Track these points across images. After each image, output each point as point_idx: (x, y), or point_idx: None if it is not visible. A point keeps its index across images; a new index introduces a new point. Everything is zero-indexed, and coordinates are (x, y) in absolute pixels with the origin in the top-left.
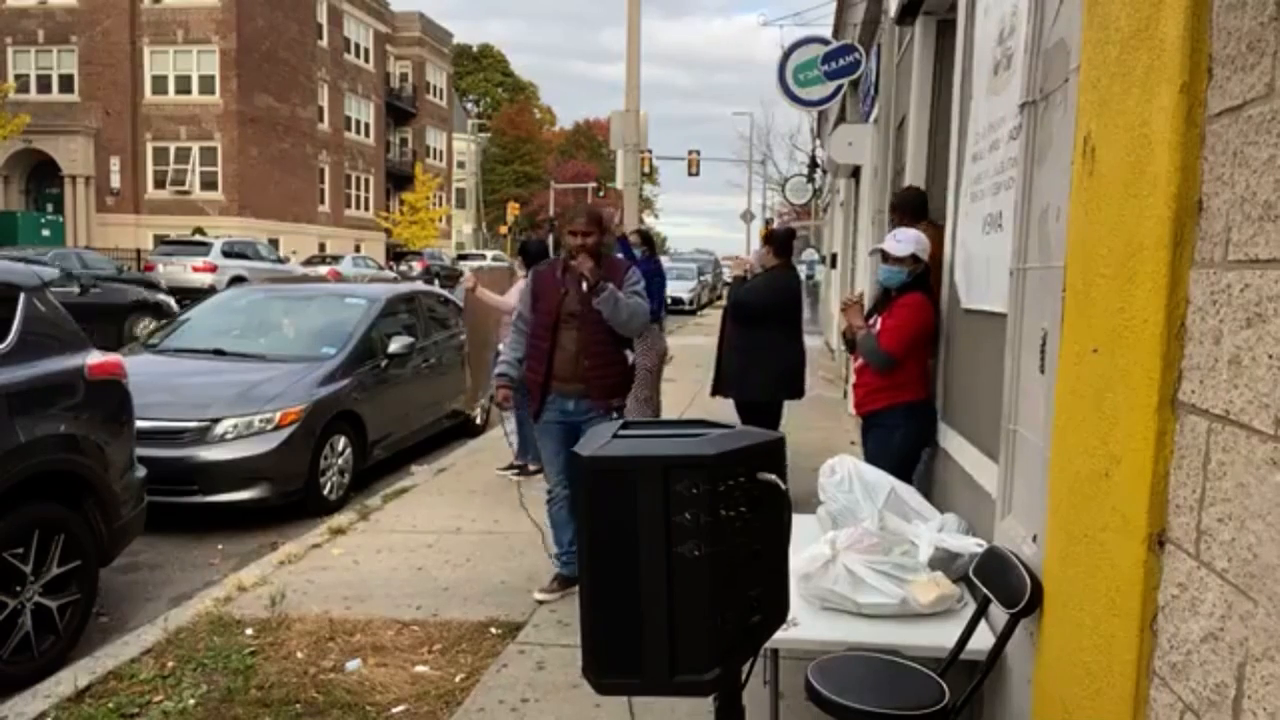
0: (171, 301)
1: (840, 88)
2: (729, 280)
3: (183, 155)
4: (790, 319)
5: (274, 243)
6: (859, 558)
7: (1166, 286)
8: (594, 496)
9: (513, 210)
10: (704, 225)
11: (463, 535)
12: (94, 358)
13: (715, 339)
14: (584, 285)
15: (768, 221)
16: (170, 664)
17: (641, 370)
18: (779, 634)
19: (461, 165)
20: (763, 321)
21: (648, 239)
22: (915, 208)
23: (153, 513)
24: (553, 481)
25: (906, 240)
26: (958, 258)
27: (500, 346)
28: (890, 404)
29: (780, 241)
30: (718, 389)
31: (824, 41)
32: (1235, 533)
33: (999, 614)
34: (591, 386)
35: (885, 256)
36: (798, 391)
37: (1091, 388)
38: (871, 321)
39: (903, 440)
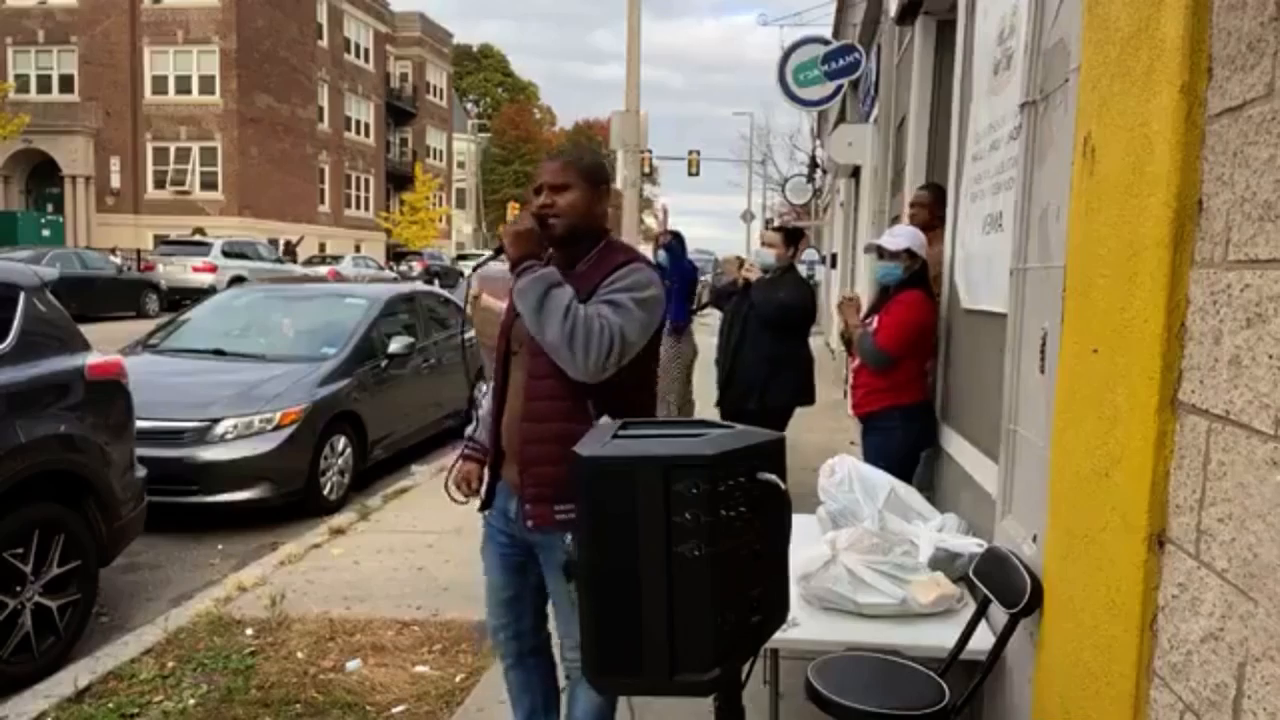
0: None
1: (840, 88)
2: (728, 283)
3: (183, 155)
4: (811, 322)
5: (274, 243)
6: (859, 558)
7: (1166, 286)
8: (594, 496)
9: (513, 210)
10: (704, 225)
11: (463, 535)
12: (94, 358)
13: (716, 339)
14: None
15: (768, 221)
16: (170, 664)
17: (675, 369)
18: (779, 634)
19: (461, 165)
20: (796, 326)
21: (678, 239)
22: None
23: (153, 513)
24: (491, 623)
25: (902, 235)
26: (958, 258)
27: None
28: (887, 406)
29: (796, 239)
30: (730, 401)
31: (824, 41)
32: (1235, 533)
33: (999, 614)
34: (526, 476)
35: (881, 252)
36: (812, 397)
37: (1091, 388)
38: (868, 320)
39: (900, 443)
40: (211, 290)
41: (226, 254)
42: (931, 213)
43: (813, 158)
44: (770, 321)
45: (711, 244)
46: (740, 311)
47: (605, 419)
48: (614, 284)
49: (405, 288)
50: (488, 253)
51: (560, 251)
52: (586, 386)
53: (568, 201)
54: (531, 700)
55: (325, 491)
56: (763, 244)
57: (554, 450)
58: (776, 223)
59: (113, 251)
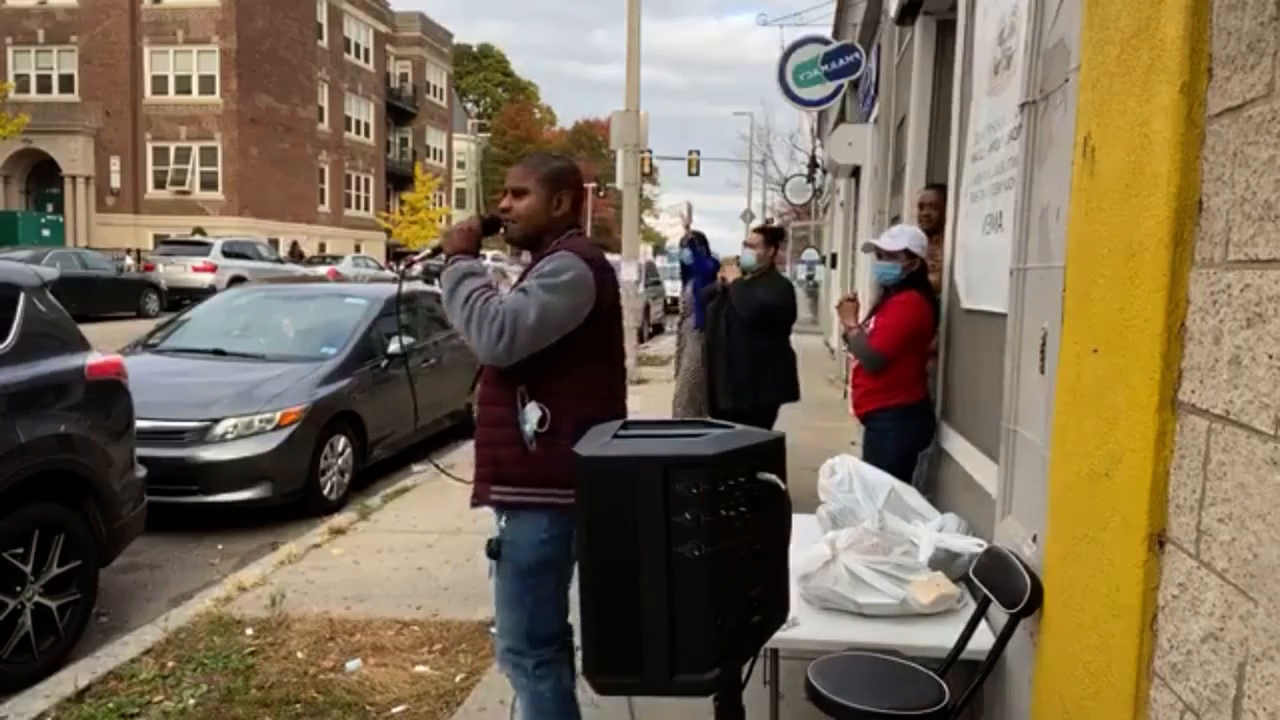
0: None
1: (840, 88)
2: (709, 285)
3: (183, 155)
4: (791, 320)
5: (274, 243)
6: (859, 558)
7: (1166, 286)
8: (594, 496)
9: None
10: (704, 225)
11: (463, 535)
12: (94, 358)
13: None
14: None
15: (768, 221)
16: (170, 664)
17: (693, 369)
18: (779, 634)
19: (461, 165)
20: (777, 326)
21: (701, 239)
22: None
23: (153, 513)
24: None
25: (900, 235)
26: (958, 258)
27: None
28: (881, 406)
29: (777, 239)
30: (716, 401)
31: (824, 41)
32: (1235, 533)
33: (999, 614)
34: (475, 455)
35: (879, 253)
36: (796, 393)
37: (1091, 388)
38: (868, 322)
39: (894, 444)
40: (211, 290)
41: (226, 254)
42: (942, 213)
43: (813, 158)
44: (750, 321)
45: (712, 244)
46: (722, 311)
47: (533, 405)
48: (533, 272)
49: (405, 287)
50: (490, 254)
51: (529, 252)
52: (516, 373)
53: (524, 206)
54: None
55: (325, 491)
56: (745, 244)
57: (489, 432)
58: (776, 223)
59: (128, 252)
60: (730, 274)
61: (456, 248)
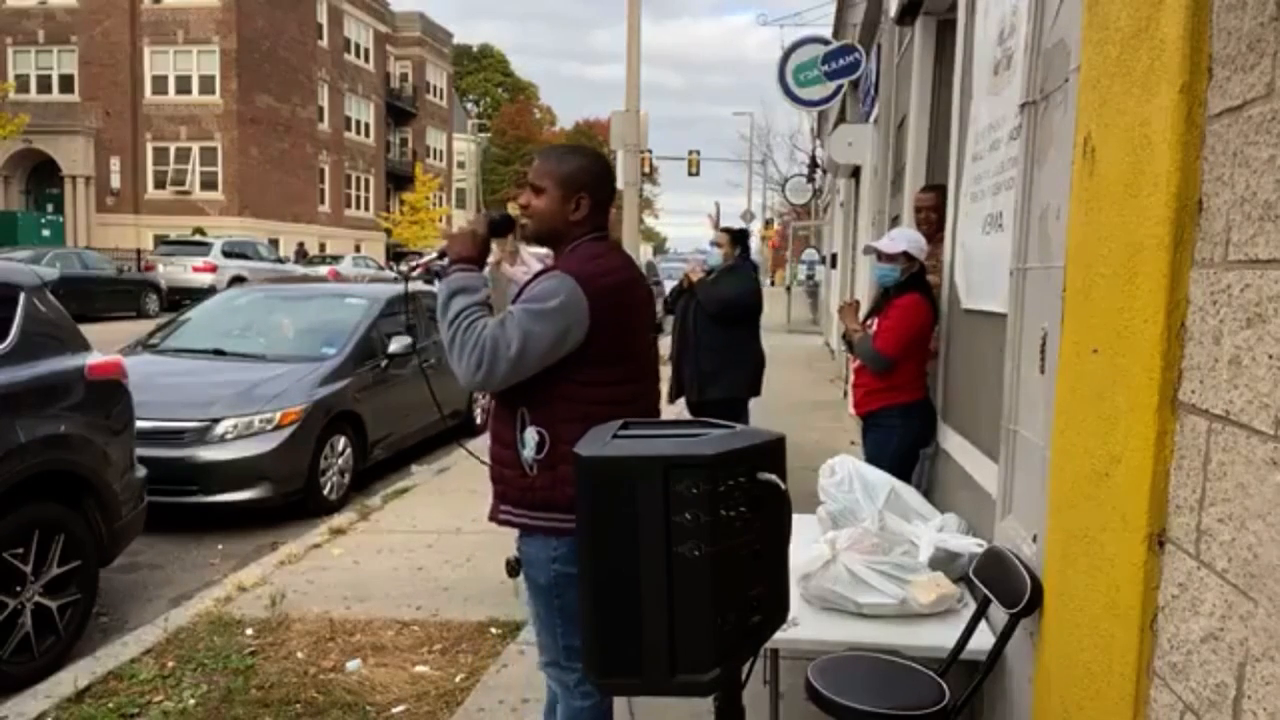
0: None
1: (840, 88)
2: (676, 285)
3: (183, 155)
4: (759, 316)
5: (274, 243)
6: (859, 558)
7: (1166, 286)
8: (594, 496)
9: (513, 210)
10: (704, 225)
11: (463, 535)
12: (94, 358)
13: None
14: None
15: (768, 222)
16: (170, 664)
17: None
18: (779, 634)
19: (462, 165)
20: (742, 319)
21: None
22: None
23: (153, 513)
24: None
25: (899, 238)
26: (958, 258)
27: None
28: (887, 405)
29: (743, 240)
30: (680, 391)
31: (824, 41)
32: (1235, 533)
33: (999, 614)
34: (489, 473)
35: (879, 255)
36: (759, 389)
37: (1091, 388)
38: (869, 323)
39: (900, 441)
40: (211, 290)
41: (226, 254)
42: (941, 215)
43: (813, 158)
44: (716, 316)
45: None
46: (689, 308)
47: (531, 430)
48: (524, 295)
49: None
50: (433, 253)
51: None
52: (515, 394)
53: (540, 205)
54: (553, 695)
55: (325, 491)
56: (712, 244)
57: (495, 451)
58: (776, 224)
59: (139, 254)
60: (695, 273)
61: (457, 255)
